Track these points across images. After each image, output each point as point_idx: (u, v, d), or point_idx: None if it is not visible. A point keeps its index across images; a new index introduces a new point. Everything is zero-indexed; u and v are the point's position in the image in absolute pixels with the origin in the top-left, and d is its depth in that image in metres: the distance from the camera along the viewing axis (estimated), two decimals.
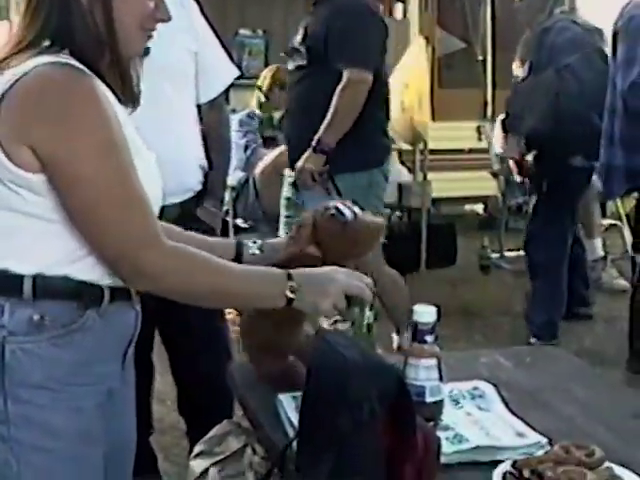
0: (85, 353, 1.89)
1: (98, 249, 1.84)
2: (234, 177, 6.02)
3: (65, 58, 1.81)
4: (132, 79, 1.97)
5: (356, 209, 2.13)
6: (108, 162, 1.79)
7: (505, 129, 5.93)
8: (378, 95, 4.52)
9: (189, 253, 1.88)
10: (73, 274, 1.86)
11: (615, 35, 4.85)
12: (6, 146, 1.77)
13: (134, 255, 1.82)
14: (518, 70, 5.87)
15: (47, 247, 1.85)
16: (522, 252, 7.07)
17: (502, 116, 6.14)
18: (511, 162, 5.90)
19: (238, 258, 2.15)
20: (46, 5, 1.83)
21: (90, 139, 1.78)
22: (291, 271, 1.92)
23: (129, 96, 1.96)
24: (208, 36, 3.40)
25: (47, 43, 1.83)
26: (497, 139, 6.47)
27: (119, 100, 1.91)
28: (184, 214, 3.11)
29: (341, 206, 2.12)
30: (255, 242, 2.19)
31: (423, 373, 1.96)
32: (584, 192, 5.77)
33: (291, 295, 1.89)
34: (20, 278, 1.83)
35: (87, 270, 1.87)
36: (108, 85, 1.88)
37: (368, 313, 2.26)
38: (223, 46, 3.51)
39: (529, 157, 5.54)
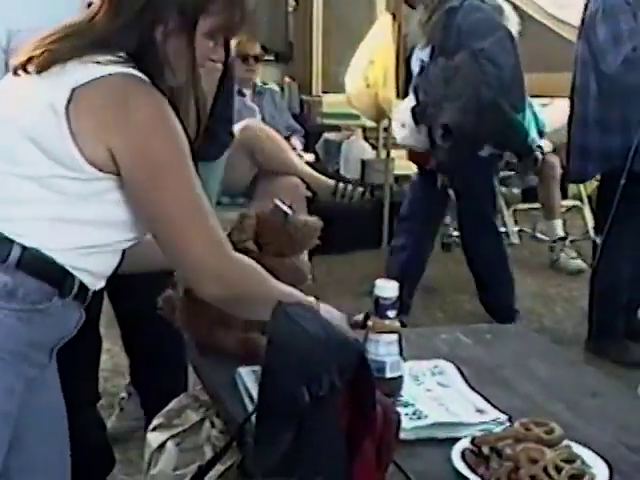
0: (37, 336, 1.91)
1: (179, 254, 1.90)
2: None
3: (143, 76, 1.84)
4: None
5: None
6: (184, 171, 1.85)
7: (416, 118, 5.19)
8: None
9: (250, 264, 1.97)
10: (61, 260, 1.87)
11: (589, 17, 4.82)
12: (80, 140, 1.80)
13: (217, 261, 1.90)
14: (422, 53, 5.20)
15: (59, 234, 1.87)
16: None
17: (408, 103, 5.35)
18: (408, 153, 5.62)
19: None
20: (134, 23, 1.86)
21: (170, 152, 1.83)
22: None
23: None
24: None
25: (123, 54, 1.85)
26: (399, 127, 5.47)
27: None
28: None
29: (280, 203, 2.28)
30: None
31: (384, 348, 1.96)
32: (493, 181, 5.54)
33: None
34: (10, 244, 1.84)
35: (76, 260, 1.89)
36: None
37: None
38: None
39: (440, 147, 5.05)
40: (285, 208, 2.27)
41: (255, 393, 1.91)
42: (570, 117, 5.09)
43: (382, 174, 6.89)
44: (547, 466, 1.66)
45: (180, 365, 2.86)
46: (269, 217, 2.27)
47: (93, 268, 1.94)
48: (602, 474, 1.71)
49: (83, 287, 1.94)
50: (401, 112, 5.32)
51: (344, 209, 6.23)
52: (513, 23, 5.11)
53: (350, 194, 6.07)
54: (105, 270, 2.00)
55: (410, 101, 5.18)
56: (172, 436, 2.19)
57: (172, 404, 2.31)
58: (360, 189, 6.12)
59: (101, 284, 2.02)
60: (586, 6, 4.92)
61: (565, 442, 1.78)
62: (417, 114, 5.14)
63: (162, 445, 2.20)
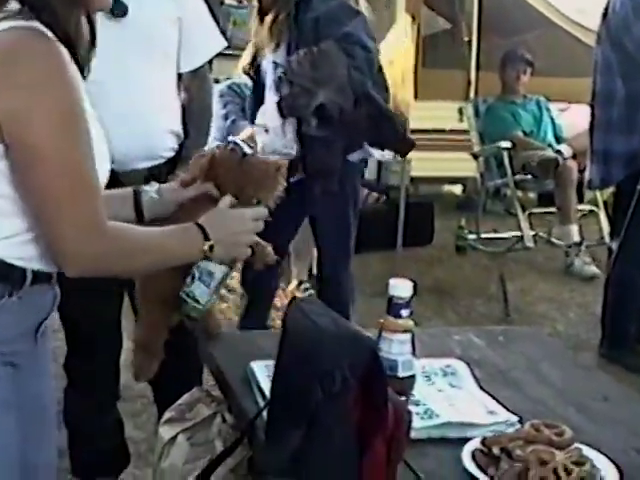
0: (2, 332, 1.87)
1: (45, 227, 1.78)
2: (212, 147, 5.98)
3: (32, 22, 1.74)
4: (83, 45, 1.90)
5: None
6: (68, 137, 1.74)
7: (283, 113, 4.42)
8: None
9: (128, 235, 1.89)
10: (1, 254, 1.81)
11: (619, 22, 4.79)
12: None
13: (79, 239, 1.78)
14: (274, 56, 4.49)
15: None
16: (499, 234, 7.12)
17: (270, 105, 4.52)
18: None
19: (137, 205, 2.16)
20: None
21: (53, 110, 1.72)
22: (205, 226, 1.97)
23: (85, 61, 1.90)
24: (196, 4, 3.36)
25: (16, 5, 1.76)
26: (261, 133, 4.55)
27: (81, 69, 1.86)
28: (153, 179, 3.10)
29: (242, 142, 2.17)
30: (152, 185, 2.21)
31: (396, 347, 1.96)
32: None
33: (208, 252, 1.96)
34: None
35: (16, 251, 1.83)
36: (73, 51, 1.81)
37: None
38: (213, 16, 3.47)
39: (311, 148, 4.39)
40: (245, 147, 2.16)
41: (267, 388, 1.92)
42: (591, 123, 5.08)
43: (398, 175, 6.89)
44: (557, 468, 1.66)
45: (195, 359, 2.86)
46: (225, 156, 2.15)
47: (39, 255, 1.85)
48: (612, 477, 1.72)
49: (40, 273, 1.87)
50: (265, 115, 4.61)
51: (360, 210, 6.22)
52: (366, 10, 4.65)
53: (364, 198, 6.05)
54: None
55: (271, 104, 4.51)
56: (183, 430, 2.19)
57: (184, 398, 2.31)
58: (374, 194, 6.11)
59: None
60: (605, 12, 4.91)
61: (575, 445, 1.78)
62: (285, 107, 4.41)
63: (173, 438, 2.20)
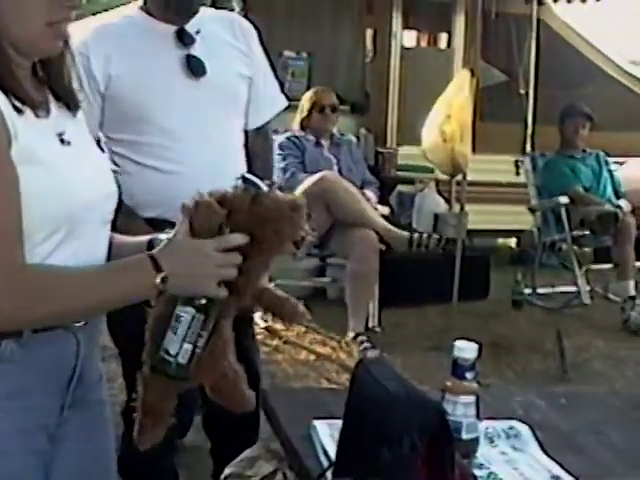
0: (5, 386, 1.74)
1: None
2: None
3: None
4: (60, 80, 1.84)
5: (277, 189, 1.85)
6: None
7: None
8: None
9: (51, 273, 1.72)
10: None
11: None
12: None
13: (12, 292, 1.64)
14: None
15: None
16: (555, 289, 7.07)
17: None
18: None
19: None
20: None
21: None
22: (158, 257, 1.75)
23: (67, 97, 1.85)
24: (263, 64, 3.41)
25: None
26: None
27: (28, 104, 1.73)
28: None
29: (255, 179, 1.85)
30: (168, 233, 1.93)
31: (461, 409, 1.95)
32: None
33: (161, 286, 1.74)
34: None
35: None
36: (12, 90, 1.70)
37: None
38: (272, 68, 3.52)
39: None
40: (260, 183, 1.82)
41: (330, 448, 1.92)
42: None
43: (455, 228, 6.89)
44: None
45: (255, 413, 2.86)
46: (237, 196, 1.80)
47: None
48: None
49: None
50: None
51: (416, 263, 6.23)
52: None
53: (426, 242, 6.05)
54: None
55: None
56: None
57: (245, 453, 2.31)
58: (435, 236, 6.12)
59: None
60: None
61: None
62: None
63: None
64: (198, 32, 3.13)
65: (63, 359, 1.82)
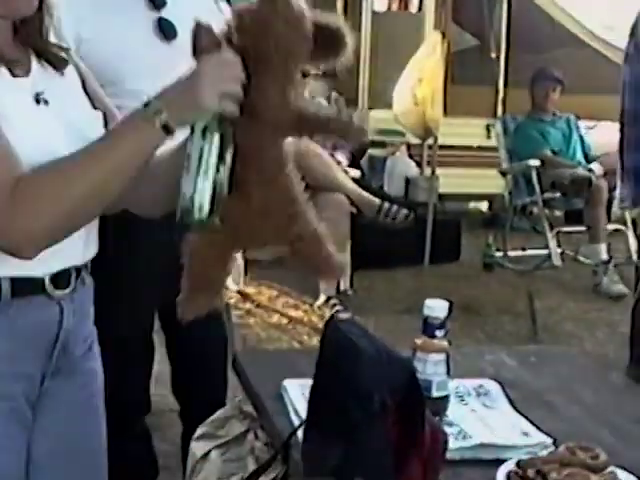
0: None
1: None
2: None
3: None
4: (39, 38, 1.80)
5: None
6: None
7: None
8: None
9: (42, 170, 1.65)
10: None
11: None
12: None
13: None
14: None
15: None
16: (526, 252, 7.10)
17: None
18: None
19: None
20: None
21: None
22: (149, 99, 1.65)
23: (49, 55, 1.82)
24: None
25: None
26: None
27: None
28: None
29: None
30: None
31: (431, 367, 1.96)
32: None
33: (158, 121, 1.62)
34: None
35: None
36: None
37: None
38: None
39: None
40: None
41: (301, 407, 1.92)
42: (621, 141, 5.05)
43: (426, 192, 6.89)
44: None
45: (223, 376, 2.87)
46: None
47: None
48: None
49: (18, 279, 1.71)
50: None
51: (388, 226, 6.22)
52: None
53: (394, 214, 6.05)
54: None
55: None
56: (216, 446, 2.20)
57: (217, 414, 2.32)
58: (405, 211, 6.11)
59: (54, 265, 1.74)
60: (633, 30, 4.88)
61: (610, 468, 1.77)
62: None
63: (206, 455, 2.21)
64: None
65: (45, 327, 1.78)
